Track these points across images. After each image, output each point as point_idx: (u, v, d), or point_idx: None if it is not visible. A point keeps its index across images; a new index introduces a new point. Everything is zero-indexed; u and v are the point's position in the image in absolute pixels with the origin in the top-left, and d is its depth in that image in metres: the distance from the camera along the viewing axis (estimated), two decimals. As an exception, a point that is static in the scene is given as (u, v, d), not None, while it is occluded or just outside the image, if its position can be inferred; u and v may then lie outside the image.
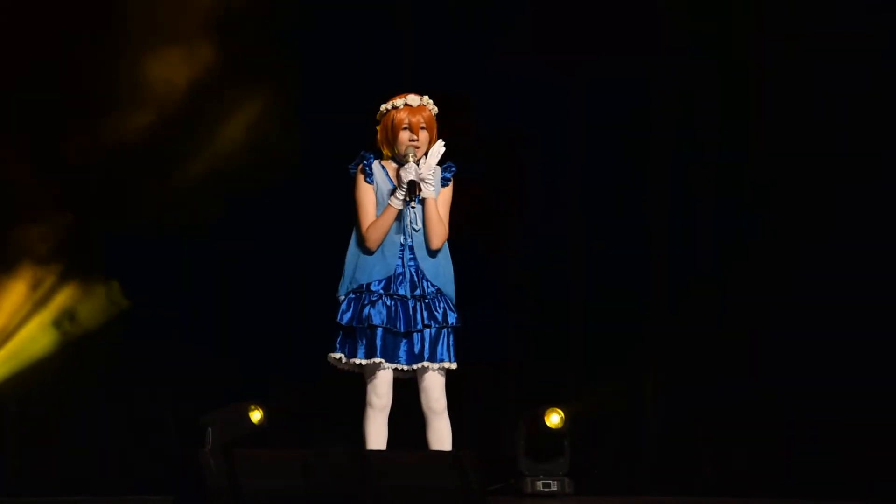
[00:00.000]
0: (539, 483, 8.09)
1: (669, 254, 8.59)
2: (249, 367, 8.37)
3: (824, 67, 8.19)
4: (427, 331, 5.89)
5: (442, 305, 5.93)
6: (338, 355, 5.92)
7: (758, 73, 8.44)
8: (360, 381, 6.01)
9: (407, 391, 5.98)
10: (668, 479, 8.41)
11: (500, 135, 6.09)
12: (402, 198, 5.89)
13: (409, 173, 5.88)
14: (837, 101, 8.15)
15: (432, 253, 5.95)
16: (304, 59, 8.45)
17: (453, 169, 6.02)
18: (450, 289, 5.97)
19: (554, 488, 8.09)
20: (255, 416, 7.99)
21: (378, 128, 6.02)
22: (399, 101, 5.98)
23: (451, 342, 5.92)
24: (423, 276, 5.92)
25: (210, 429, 7.97)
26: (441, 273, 5.95)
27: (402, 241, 5.94)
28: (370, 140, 6.11)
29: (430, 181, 5.90)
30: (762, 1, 8.46)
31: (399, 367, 5.88)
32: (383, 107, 6.01)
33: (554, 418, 8.17)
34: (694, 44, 8.56)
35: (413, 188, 5.87)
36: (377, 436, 5.87)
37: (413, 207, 5.91)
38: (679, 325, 8.46)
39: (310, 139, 8.37)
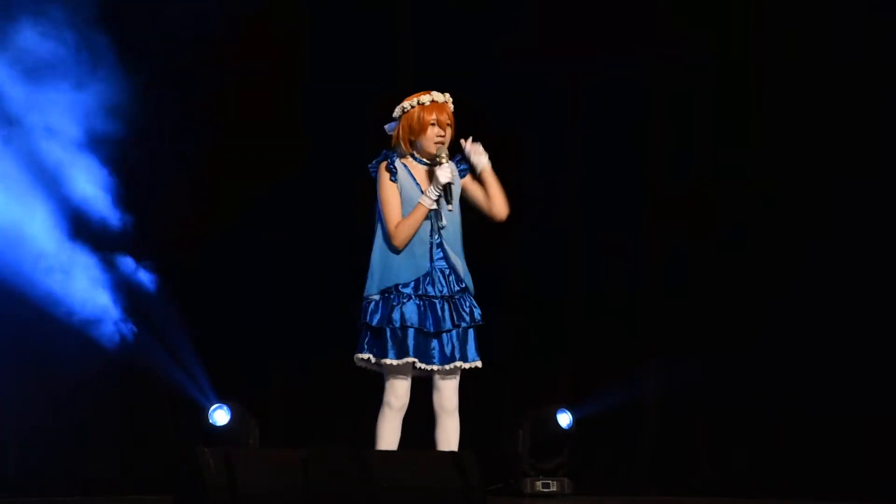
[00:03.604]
0: (539, 483, 8.10)
1: (668, 253, 8.59)
2: (249, 366, 8.37)
3: (824, 67, 8.20)
4: (456, 331, 5.87)
5: (468, 304, 5.91)
6: (366, 356, 5.85)
7: (757, 73, 8.45)
8: (369, 379, 6.00)
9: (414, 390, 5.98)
10: (668, 478, 8.41)
11: (498, 135, 6.08)
12: (434, 198, 5.84)
13: (444, 174, 5.83)
14: (837, 100, 8.16)
15: (458, 250, 5.92)
16: (302, 58, 8.47)
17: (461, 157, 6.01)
18: (472, 285, 5.96)
19: (554, 488, 8.09)
20: (220, 416, 7.98)
21: (399, 125, 5.94)
22: (425, 98, 5.90)
23: (476, 340, 5.91)
24: (451, 273, 5.90)
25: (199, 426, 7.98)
26: (467, 270, 5.94)
27: (430, 239, 5.90)
28: (372, 140, 6.10)
29: (478, 157, 5.90)
30: (762, 1, 8.46)
31: (431, 367, 5.83)
32: (406, 103, 5.92)
33: (564, 419, 8.19)
34: (693, 43, 8.56)
35: (449, 190, 5.83)
36: (391, 436, 5.84)
37: (451, 210, 5.86)
38: (678, 325, 8.47)
39: (309, 139, 8.39)
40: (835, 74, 8.17)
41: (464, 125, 6.02)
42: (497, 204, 5.97)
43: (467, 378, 6.07)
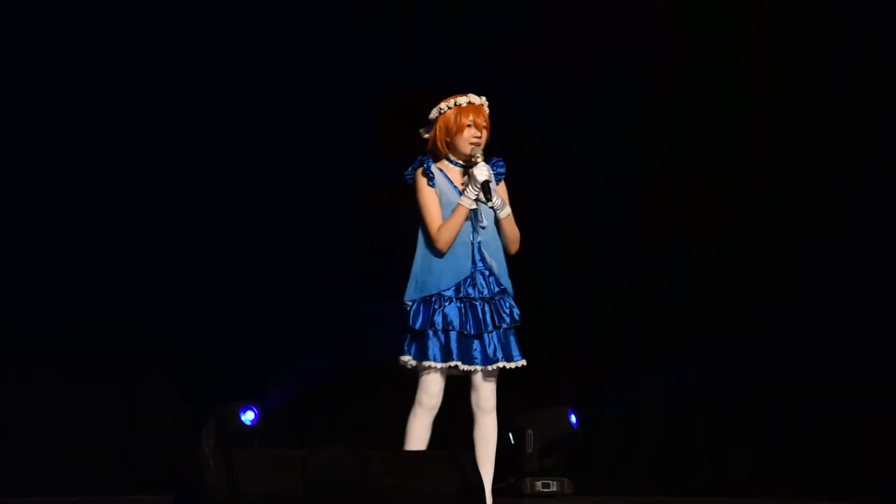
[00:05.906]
0: (539, 483, 8.09)
1: (669, 253, 8.59)
2: (249, 366, 8.37)
3: (825, 67, 8.20)
4: (497, 332, 5.88)
5: (508, 304, 5.92)
6: (407, 358, 5.87)
7: (758, 74, 8.45)
8: (368, 379, 5.99)
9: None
10: (668, 478, 8.41)
11: (498, 135, 6.08)
12: (473, 197, 5.83)
13: (482, 173, 5.82)
14: (838, 101, 8.16)
15: (498, 251, 5.92)
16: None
17: (501, 162, 5.99)
18: (510, 285, 5.97)
19: (554, 488, 8.09)
20: (248, 416, 7.98)
21: (435, 127, 5.91)
22: (462, 100, 5.87)
23: (517, 340, 5.92)
24: (491, 274, 5.91)
25: (207, 426, 7.98)
26: (505, 270, 5.95)
27: (471, 240, 5.91)
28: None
29: (498, 205, 5.90)
30: (762, 1, 8.46)
31: (475, 368, 5.85)
32: (444, 104, 5.88)
33: (573, 419, 8.21)
34: (693, 43, 8.56)
35: (487, 188, 5.82)
36: (420, 435, 5.83)
37: (492, 207, 5.86)
38: (678, 325, 8.47)
39: (313, 141, 8.40)
40: (836, 75, 8.18)
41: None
42: (512, 246, 5.99)
43: (467, 378, 6.07)
